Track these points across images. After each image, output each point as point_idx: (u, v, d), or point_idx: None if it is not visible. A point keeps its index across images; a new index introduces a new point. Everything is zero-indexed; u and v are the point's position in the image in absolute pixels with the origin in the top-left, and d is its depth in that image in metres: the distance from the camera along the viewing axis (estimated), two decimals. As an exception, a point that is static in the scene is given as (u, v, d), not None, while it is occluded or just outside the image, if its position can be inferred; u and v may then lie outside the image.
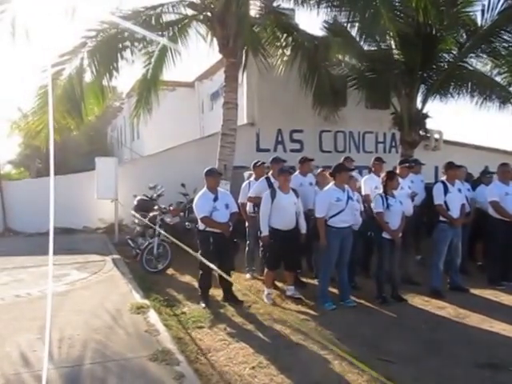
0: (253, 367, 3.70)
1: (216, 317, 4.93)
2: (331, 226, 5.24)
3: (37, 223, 9.50)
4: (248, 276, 6.63)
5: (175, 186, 8.92)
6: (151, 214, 7.56)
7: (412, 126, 10.51)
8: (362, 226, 5.73)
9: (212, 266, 5.02)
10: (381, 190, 5.63)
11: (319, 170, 6.38)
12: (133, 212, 8.27)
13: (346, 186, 5.39)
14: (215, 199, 5.37)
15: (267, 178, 6.20)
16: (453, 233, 5.87)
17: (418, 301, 5.58)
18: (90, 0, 9.49)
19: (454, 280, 6.09)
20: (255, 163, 6.84)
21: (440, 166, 6.81)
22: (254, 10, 9.59)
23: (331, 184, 5.39)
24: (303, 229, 5.54)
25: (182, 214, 8.43)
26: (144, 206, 8.18)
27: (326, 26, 10.19)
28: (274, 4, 10.12)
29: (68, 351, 3.93)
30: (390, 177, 5.57)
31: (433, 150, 12.80)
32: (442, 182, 5.98)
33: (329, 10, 9.66)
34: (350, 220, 5.36)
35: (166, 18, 9.01)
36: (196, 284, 5.67)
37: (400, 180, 5.85)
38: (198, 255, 5.05)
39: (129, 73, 10.01)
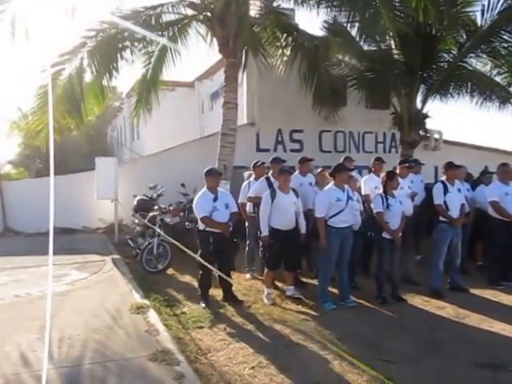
0: (253, 367, 3.70)
1: (216, 317, 4.92)
2: (331, 226, 5.24)
3: (36, 223, 9.50)
4: (248, 276, 6.63)
5: (175, 186, 8.91)
6: (151, 214, 7.56)
7: (412, 126, 10.52)
8: (361, 226, 5.73)
9: (211, 267, 5.04)
10: (381, 190, 5.63)
11: (318, 170, 6.38)
12: (133, 213, 8.27)
13: (346, 186, 5.39)
14: (215, 199, 5.37)
15: (267, 178, 6.20)
16: (452, 233, 5.87)
17: (417, 301, 5.58)
18: (89, 0, 9.49)
19: (453, 280, 6.10)
20: (255, 163, 6.84)
21: (440, 165, 6.82)
22: (253, 10, 9.60)
23: (331, 184, 5.39)
24: (303, 229, 5.55)
25: (181, 213, 8.43)
26: (144, 206, 8.18)
27: (326, 26, 10.18)
28: (274, 4, 10.11)
29: (68, 351, 3.93)
30: (390, 177, 5.57)
31: (433, 150, 12.80)
32: (442, 182, 5.98)
33: (329, 10, 9.65)
34: (349, 220, 5.36)
35: (166, 17, 9.01)
36: (196, 284, 5.67)
37: (400, 180, 5.85)
38: (197, 256, 5.05)
39: (129, 73, 10.01)
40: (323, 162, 7.93)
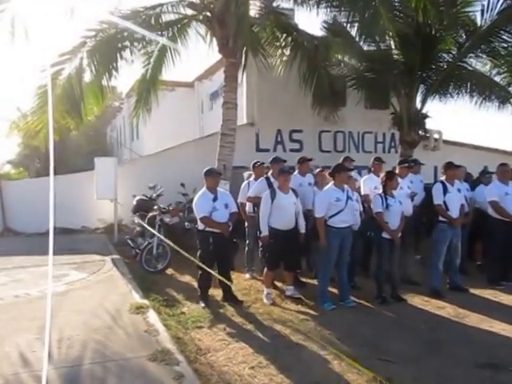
0: (252, 367, 3.69)
1: (215, 317, 4.92)
2: (331, 226, 5.24)
3: (36, 223, 9.50)
4: (247, 276, 6.63)
5: (175, 186, 8.91)
6: (151, 214, 7.56)
7: (411, 126, 10.52)
8: (361, 226, 5.73)
9: (210, 270, 5.05)
10: (380, 190, 5.63)
11: (318, 170, 6.37)
12: (133, 216, 8.27)
13: (346, 186, 5.39)
14: (215, 199, 5.36)
15: (267, 178, 6.20)
16: (452, 233, 5.87)
17: (417, 301, 5.58)
18: (89, 0, 9.48)
19: (453, 280, 6.10)
20: (254, 163, 6.84)
21: (439, 165, 6.82)
22: (253, 10, 9.59)
23: (331, 184, 5.39)
24: (302, 229, 5.54)
25: (181, 213, 8.42)
26: (143, 206, 8.17)
27: (326, 26, 10.19)
28: (274, 4, 10.12)
29: (67, 351, 3.93)
30: (390, 177, 5.57)
31: (432, 150, 12.81)
32: (442, 182, 5.98)
33: (328, 10, 9.66)
34: (349, 220, 5.36)
35: (166, 17, 9.01)
36: (195, 284, 5.66)
37: (399, 180, 5.85)
38: (195, 259, 5.05)
39: (128, 73, 10.01)
40: (323, 162, 7.93)
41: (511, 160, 7.48)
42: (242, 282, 6.35)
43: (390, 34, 9.14)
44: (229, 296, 5.45)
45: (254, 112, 11.92)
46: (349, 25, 9.34)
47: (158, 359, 3.72)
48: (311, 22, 48.59)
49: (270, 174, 6.30)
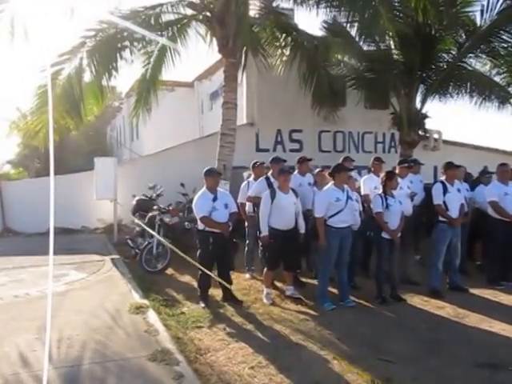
0: (252, 367, 3.69)
1: (215, 317, 4.92)
2: (330, 226, 5.24)
3: (36, 223, 9.50)
4: (247, 276, 6.63)
5: (174, 186, 8.91)
6: (150, 214, 7.56)
7: (411, 126, 10.52)
8: (361, 226, 5.73)
9: (209, 272, 5.05)
10: (380, 190, 5.63)
11: (317, 170, 6.37)
12: (133, 217, 8.27)
13: (346, 186, 5.39)
14: (214, 199, 5.36)
15: (267, 178, 6.20)
16: (452, 233, 5.87)
17: (417, 301, 5.58)
18: (89, 0, 9.48)
19: (453, 280, 6.10)
20: (254, 163, 6.84)
21: (439, 165, 6.82)
22: (253, 10, 9.58)
23: (330, 184, 5.39)
24: (302, 229, 5.54)
25: (181, 213, 8.42)
26: (143, 206, 8.18)
27: (326, 26, 10.19)
28: (274, 4, 10.12)
29: (67, 351, 3.92)
30: (390, 177, 5.57)
31: (432, 150, 12.81)
32: (442, 182, 5.98)
33: (328, 10, 9.64)
34: (349, 220, 5.36)
35: (165, 17, 9.00)
36: (195, 284, 5.66)
37: (399, 180, 5.85)
38: (193, 261, 5.05)
39: (128, 73, 10.01)
40: (322, 162, 7.93)
41: (511, 160, 7.48)
42: (241, 281, 6.35)
43: (390, 33, 9.14)
44: (229, 296, 5.45)
45: (254, 112, 11.92)
46: (348, 25, 9.34)
47: (157, 359, 3.72)
48: (311, 22, 48.64)
49: (269, 173, 6.29)
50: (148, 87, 8.68)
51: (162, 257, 6.98)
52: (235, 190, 6.92)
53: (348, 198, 5.30)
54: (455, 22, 9.66)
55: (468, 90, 10.97)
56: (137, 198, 8.48)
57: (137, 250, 7.55)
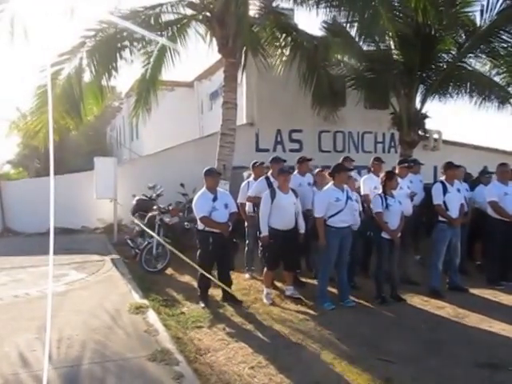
0: (252, 367, 3.70)
1: (215, 317, 4.92)
2: (330, 226, 5.24)
3: (36, 223, 9.50)
4: (247, 276, 6.63)
5: (174, 186, 8.91)
6: (150, 214, 7.56)
7: (411, 126, 10.52)
8: (361, 226, 5.73)
9: (208, 275, 5.04)
10: (380, 190, 5.63)
11: (317, 170, 6.37)
12: (133, 217, 8.27)
13: (345, 186, 5.39)
14: (214, 199, 5.36)
15: (267, 178, 6.20)
16: (452, 233, 5.87)
17: (417, 301, 5.58)
18: (88, 0, 9.48)
19: (452, 280, 6.10)
20: (254, 163, 6.85)
21: (439, 165, 6.83)
22: (253, 10, 9.58)
23: (330, 184, 5.39)
24: (302, 229, 5.54)
25: (181, 213, 8.42)
26: (143, 206, 8.18)
27: (325, 26, 10.18)
28: (273, 4, 10.12)
29: (67, 351, 3.92)
30: (389, 177, 5.57)
31: (432, 150, 12.81)
32: (441, 182, 5.98)
33: (328, 10, 9.63)
34: (349, 220, 5.36)
35: (165, 17, 9.00)
36: (195, 284, 5.66)
37: (399, 180, 5.85)
38: (189, 260, 5.04)
39: (128, 73, 10.02)
40: (322, 162, 7.93)
41: (511, 160, 7.48)
42: (241, 281, 6.35)
43: (390, 34, 9.15)
44: (228, 296, 5.45)
45: (254, 112, 11.92)
46: (348, 25, 9.34)
47: (157, 359, 3.72)
48: (311, 22, 48.62)
49: (269, 173, 6.29)
50: (148, 87, 8.68)
51: (161, 257, 6.98)
52: (235, 190, 6.92)
53: (348, 197, 5.30)
54: (455, 22, 9.66)
55: (468, 90, 10.97)
56: (137, 197, 8.48)
57: (137, 250, 7.54)
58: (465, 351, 4.09)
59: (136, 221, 8.01)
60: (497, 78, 10.87)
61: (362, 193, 6.48)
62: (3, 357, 3.82)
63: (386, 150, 13.03)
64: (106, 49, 8.73)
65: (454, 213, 5.84)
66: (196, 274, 5.60)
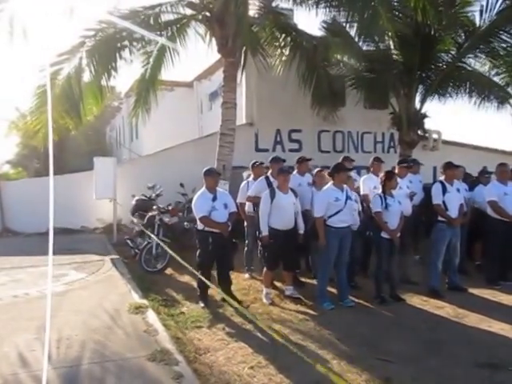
0: (252, 367, 3.69)
1: (215, 316, 4.92)
2: (330, 226, 5.24)
3: (35, 223, 9.48)
4: (247, 276, 6.63)
5: (174, 186, 8.91)
6: (150, 214, 7.55)
7: (410, 126, 10.53)
8: (360, 226, 5.72)
9: (207, 282, 5.01)
10: (379, 190, 5.63)
11: (316, 170, 6.37)
12: (132, 217, 8.27)
13: (345, 186, 5.39)
14: (214, 199, 5.36)
15: (266, 178, 6.20)
16: (451, 232, 5.87)
17: (416, 300, 5.58)
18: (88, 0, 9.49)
19: (452, 280, 6.10)
20: (254, 163, 6.85)
21: (438, 165, 6.83)
22: (252, 10, 9.59)
23: (330, 184, 5.39)
24: (301, 229, 5.54)
25: (180, 213, 8.43)
26: (143, 206, 8.17)
27: (325, 26, 10.19)
28: (273, 4, 10.13)
29: (66, 351, 3.92)
30: (389, 177, 5.57)
31: (431, 150, 12.82)
32: (441, 182, 5.99)
33: (327, 10, 9.65)
34: (348, 220, 5.36)
35: (165, 17, 9.01)
36: (195, 284, 5.66)
37: (398, 180, 5.85)
38: (185, 263, 5.01)
39: (127, 73, 10.05)
40: (322, 161, 7.94)
41: (510, 160, 7.49)
42: (241, 281, 6.35)
43: (389, 34, 9.13)
44: (228, 296, 5.44)
45: (254, 112, 11.92)
46: (348, 25, 9.35)
47: (157, 359, 3.72)
48: (310, 22, 48.59)
49: (269, 173, 6.30)
50: (147, 87, 8.69)
51: (161, 257, 6.97)
52: (235, 189, 6.92)
53: (347, 197, 5.30)
54: (454, 22, 9.67)
55: (467, 90, 10.99)
56: (136, 197, 8.48)
57: (136, 250, 7.54)
58: (465, 351, 4.09)
59: (135, 221, 8.01)
60: (496, 78, 10.89)
61: (362, 193, 6.47)
62: (3, 357, 3.82)
63: (386, 150, 13.03)
64: (106, 49, 8.73)
65: (453, 213, 5.85)
66: (195, 274, 5.59)
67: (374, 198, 5.68)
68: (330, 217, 5.24)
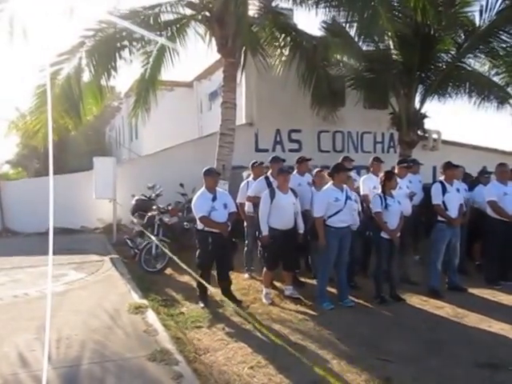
0: (251, 367, 3.69)
1: (214, 317, 4.92)
2: (330, 226, 5.24)
3: (35, 223, 9.48)
4: (246, 276, 6.63)
5: (174, 186, 8.91)
6: (150, 214, 7.55)
7: (410, 126, 10.53)
8: (360, 226, 5.73)
9: (207, 284, 5.01)
10: (379, 190, 5.63)
11: (316, 170, 6.37)
12: (132, 217, 8.27)
13: (345, 186, 5.39)
14: (214, 199, 5.36)
15: (266, 178, 6.20)
16: (451, 232, 5.88)
17: (416, 300, 5.58)
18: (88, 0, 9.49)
19: (452, 280, 6.10)
20: (253, 163, 6.85)
21: (438, 166, 6.84)
22: (252, 10, 9.59)
23: (329, 184, 5.39)
24: (301, 229, 5.54)
25: (180, 213, 8.43)
26: (142, 206, 8.17)
27: (325, 26, 10.18)
28: (273, 4, 10.13)
29: (66, 351, 3.92)
30: (389, 177, 5.57)
31: (431, 150, 12.82)
32: (441, 182, 5.99)
33: (327, 10, 9.65)
34: (348, 220, 5.36)
35: (165, 17, 9.01)
36: (194, 284, 5.65)
37: (398, 180, 5.85)
38: (182, 264, 5.02)
39: (127, 72, 10.06)
40: (322, 161, 7.94)
41: (510, 160, 7.49)
42: (240, 281, 6.35)
43: (389, 34, 9.15)
44: (228, 296, 5.44)
45: (253, 112, 11.92)
46: (348, 25, 9.34)
47: (157, 359, 3.72)
48: (310, 22, 48.56)
49: (269, 173, 6.30)
50: (147, 87, 8.69)
51: (161, 257, 6.96)
52: (234, 189, 6.92)
53: (347, 197, 5.30)
54: (454, 22, 9.67)
55: (467, 90, 10.99)
56: (136, 197, 8.48)
57: (136, 250, 7.53)
58: (465, 351, 4.09)
59: (135, 221, 8.00)
60: (496, 78, 10.90)
61: (362, 193, 6.47)
62: (2, 357, 3.82)
63: (386, 150, 13.03)
64: (106, 49, 8.73)
65: (453, 213, 5.85)
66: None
67: (373, 198, 5.68)
68: (329, 217, 5.24)
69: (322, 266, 5.55)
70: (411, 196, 6.39)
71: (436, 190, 5.94)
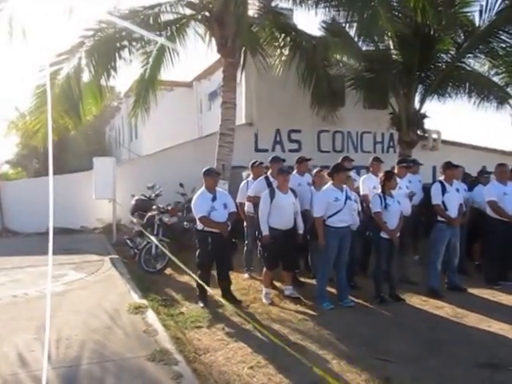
0: (251, 367, 3.69)
1: (214, 316, 4.92)
2: (329, 226, 5.24)
3: (35, 223, 9.48)
4: (246, 276, 6.63)
5: (173, 186, 8.91)
6: (149, 214, 7.55)
7: (410, 126, 10.53)
8: (360, 226, 5.73)
9: (207, 287, 4.99)
10: (379, 190, 5.63)
11: (316, 170, 6.37)
12: (132, 217, 8.26)
13: (345, 186, 5.39)
14: (213, 199, 5.36)
15: (266, 178, 6.20)
16: (451, 232, 5.88)
17: (415, 300, 5.58)
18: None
19: (451, 280, 6.10)
20: (253, 163, 6.85)
21: (438, 165, 6.84)
22: (252, 10, 9.59)
23: (329, 184, 5.39)
24: (300, 229, 5.54)
25: (180, 213, 8.43)
26: (142, 206, 8.17)
27: (324, 26, 10.19)
28: (273, 4, 10.13)
29: (66, 351, 3.91)
30: (388, 177, 5.57)
31: (431, 150, 12.82)
32: (440, 182, 5.99)
33: (327, 10, 9.66)
34: (348, 220, 5.36)
35: (164, 17, 9.01)
36: (194, 284, 5.64)
37: (398, 180, 5.85)
38: (187, 270, 5.01)
39: (127, 72, 10.06)
40: (321, 162, 7.93)
41: (509, 160, 7.51)
42: (240, 281, 6.35)
43: (389, 34, 9.13)
44: (228, 296, 5.45)
45: (253, 112, 11.92)
46: (347, 25, 9.34)
47: (156, 359, 3.72)
48: (310, 22, 48.58)
49: (269, 173, 6.30)
50: (147, 87, 8.68)
51: (160, 257, 6.96)
52: (234, 189, 6.92)
53: (347, 197, 5.30)
54: (454, 23, 9.66)
55: (467, 90, 10.99)
56: (136, 197, 8.47)
57: (136, 250, 7.53)
58: (465, 351, 4.09)
59: (135, 221, 8.00)
60: (496, 78, 10.90)
61: (361, 193, 6.48)
62: (2, 357, 3.82)
63: (385, 150, 13.04)
64: (105, 49, 8.73)
65: (453, 213, 5.85)
66: (195, 274, 5.59)
67: (373, 198, 5.68)
68: (329, 217, 5.24)
69: (321, 265, 5.54)
70: (411, 196, 6.39)
71: (436, 189, 5.94)
